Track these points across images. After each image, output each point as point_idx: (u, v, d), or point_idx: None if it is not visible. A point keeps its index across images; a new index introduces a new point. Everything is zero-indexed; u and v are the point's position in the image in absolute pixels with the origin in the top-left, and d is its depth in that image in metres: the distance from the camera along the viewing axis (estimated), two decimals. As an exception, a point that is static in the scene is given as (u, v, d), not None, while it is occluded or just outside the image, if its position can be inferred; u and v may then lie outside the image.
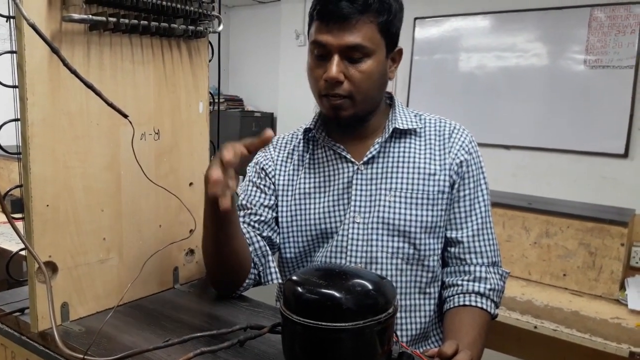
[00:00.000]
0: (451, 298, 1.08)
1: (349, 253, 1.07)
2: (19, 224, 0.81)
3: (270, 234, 1.11)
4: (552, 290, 1.98)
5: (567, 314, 1.76)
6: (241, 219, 1.11)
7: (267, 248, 1.09)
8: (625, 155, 3.62)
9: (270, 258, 1.08)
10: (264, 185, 1.14)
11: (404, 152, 1.09)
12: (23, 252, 0.83)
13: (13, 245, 2.14)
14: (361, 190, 1.08)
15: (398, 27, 1.05)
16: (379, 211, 1.06)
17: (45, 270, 0.79)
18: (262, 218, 1.11)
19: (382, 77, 1.04)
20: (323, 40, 0.99)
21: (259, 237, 1.08)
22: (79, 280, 0.88)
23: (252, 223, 1.11)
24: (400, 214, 1.06)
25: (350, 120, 1.05)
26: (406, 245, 1.06)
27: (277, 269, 1.08)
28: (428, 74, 4.45)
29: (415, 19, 4.42)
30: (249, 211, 1.12)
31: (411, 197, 1.06)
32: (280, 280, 1.09)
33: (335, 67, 0.98)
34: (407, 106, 1.16)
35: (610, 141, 3.65)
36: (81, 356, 0.70)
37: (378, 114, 1.10)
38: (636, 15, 3.51)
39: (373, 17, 0.99)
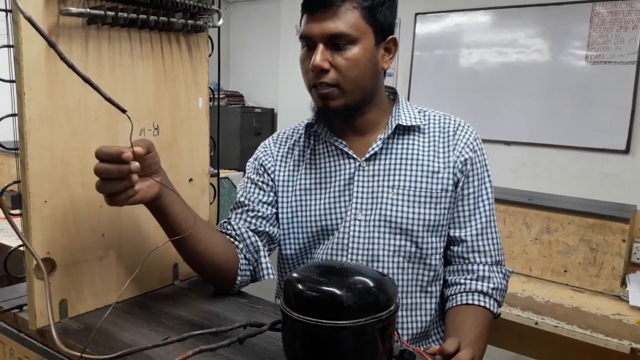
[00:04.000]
0: (454, 297, 1.07)
1: (350, 250, 1.06)
2: (17, 220, 0.80)
3: (268, 230, 1.10)
4: (553, 286, 1.98)
5: (568, 310, 1.75)
6: (237, 216, 1.10)
7: (259, 243, 1.07)
8: (626, 151, 3.62)
9: (262, 254, 1.07)
10: (263, 182, 1.13)
11: (407, 149, 1.08)
12: (22, 248, 0.82)
13: (13, 241, 2.13)
14: (363, 187, 1.07)
15: (388, 16, 1.03)
16: (380, 209, 1.05)
17: (43, 267, 0.78)
18: (260, 214, 1.10)
19: (372, 66, 1.03)
20: (307, 31, 1.00)
21: (250, 233, 1.07)
22: (78, 277, 0.88)
23: (247, 219, 1.10)
24: (402, 211, 1.05)
25: (341, 111, 1.03)
26: (408, 243, 1.05)
27: (269, 264, 1.07)
28: (429, 69, 4.44)
29: (416, 14, 4.41)
30: (247, 207, 1.11)
31: (414, 195, 1.05)
32: (272, 276, 1.08)
33: (319, 55, 0.98)
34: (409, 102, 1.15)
35: (612, 137, 3.65)
36: (79, 354, 0.69)
37: (377, 108, 1.09)
38: (638, 11, 3.50)
39: (356, 3, 0.98)
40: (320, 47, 0.98)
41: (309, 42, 1.01)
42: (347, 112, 1.05)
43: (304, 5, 1.01)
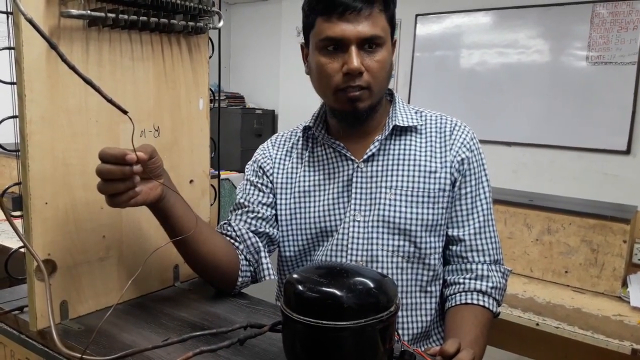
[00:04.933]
0: (453, 296, 1.07)
1: (349, 251, 1.06)
2: (19, 222, 0.80)
3: (269, 231, 1.11)
4: (554, 287, 1.97)
5: (569, 311, 1.75)
6: (237, 217, 1.10)
7: (260, 244, 1.08)
8: (627, 151, 3.62)
9: (262, 254, 1.08)
10: (262, 184, 1.14)
11: (405, 149, 1.08)
12: (23, 250, 0.83)
13: (14, 242, 2.13)
14: (361, 188, 1.07)
15: (395, 19, 1.06)
16: (379, 209, 1.05)
17: (44, 268, 0.79)
18: (260, 215, 1.10)
19: (391, 67, 1.05)
20: (338, 33, 0.97)
21: (250, 234, 1.07)
22: (79, 278, 0.88)
23: (248, 220, 1.10)
24: (400, 212, 1.05)
25: (367, 113, 1.03)
26: (407, 243, 1.05)
27: (270, 265, 1.08)
28: (429, 70, 4.44)
29: (417, 15, 4.42)
30: (246, 209, 1.11)
31: (412, 195, 1.05)
32: (273, 277, 1.08)
33: (356, 58, 0.97)
34: (409, 103, 1.15)
35: (613, 138, 3.64)
36: (79, 355, 0.69)
37: (379, 110, 1.09)
38: (638, 12, 3.50)
39: (381, 6, 0.99)
40: (355, 49, 0.97)
41: (335, 45, 0.99)
42: (369, 113, 1.05)
43: (327, 8, 0.98)
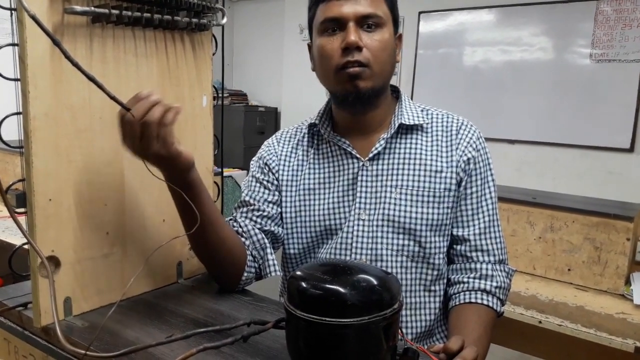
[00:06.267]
0: (457, 295, 1.07)
1: (353, 250, 1.06)
2: (22, 219, 0.80)
3: (274, 229, 1.11)
4: (557, 285, 1.97)
5: (572, 309, 1.75)
6: (243, 215, 1.11)
7: (266, 241, 1.08)
8: (631, 149, 3.61)
9: (268, 251, 1.08)
10: (267, 181, 1.14)
11: (410, 148, 1.08)
12: (27, 246, 0.83)
13: (17, 239, 2.14)
14: (366, 186, 1.07)
15: (398, 11, 1.07)
16: (384, 208, 1.05)
17: (47, 264, 0.79)
18: (265, 213, 1.11)
19: (393, 52, 1.05)
20: (336, 12, 0.99)
21: (257, 230, 1.08)
22: (82, 275, 0.88)
23: (253, 218, 1.10)
24: (405, 211, 1.05)
25: (368, 94, 1.02)
26: (411, 242, 1.05)
27: (275, 262, 1.08)
28: (432, 68, 4.43)
29: (420, 12, 4.41)
30: (252, 207, 1.11)
31: (417, 195, 1.05)
32: (279, 273, 1.08)
33: (353, 33, 0.98)
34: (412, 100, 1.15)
35: (616, 135, 3.64)
36: (83, 351, 0.70)
37: (385, 104, 1.09)
38: (643, 9, 3.49)
39: None
40: (353, 25, 0.99)
41: (334, 25, 1.01)
42: (372, 97, 1.04)
43: None
